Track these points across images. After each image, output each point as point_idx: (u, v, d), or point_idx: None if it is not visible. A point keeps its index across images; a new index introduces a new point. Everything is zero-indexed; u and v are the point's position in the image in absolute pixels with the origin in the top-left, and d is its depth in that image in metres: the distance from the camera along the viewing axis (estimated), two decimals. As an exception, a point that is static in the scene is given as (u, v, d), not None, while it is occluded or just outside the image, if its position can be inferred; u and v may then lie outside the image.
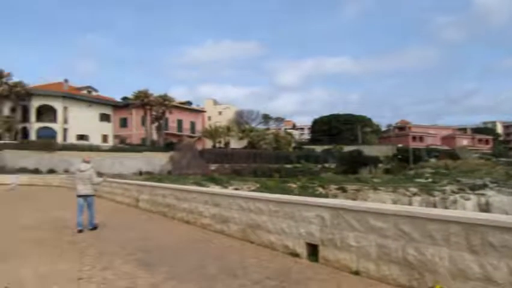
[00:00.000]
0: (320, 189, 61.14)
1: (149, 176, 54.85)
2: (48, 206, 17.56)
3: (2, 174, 41.01)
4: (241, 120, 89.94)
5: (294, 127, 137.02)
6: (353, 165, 70.24)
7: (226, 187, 49.55)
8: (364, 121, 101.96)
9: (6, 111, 58.66)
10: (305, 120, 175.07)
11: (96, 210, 11.50)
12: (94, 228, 10.90)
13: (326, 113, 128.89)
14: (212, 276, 6.15)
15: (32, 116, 59.88)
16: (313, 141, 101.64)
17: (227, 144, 77.13)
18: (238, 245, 8.65)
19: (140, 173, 51.77)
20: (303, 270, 6.42)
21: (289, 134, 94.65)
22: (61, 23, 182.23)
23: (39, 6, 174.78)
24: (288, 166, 69.44)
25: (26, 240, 9.23)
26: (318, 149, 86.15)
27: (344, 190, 57.65)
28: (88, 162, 11.36)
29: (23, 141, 56.14)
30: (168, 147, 65.30)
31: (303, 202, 7.44)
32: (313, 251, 7.01)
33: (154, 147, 64.09)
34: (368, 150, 77.26)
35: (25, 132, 59.86)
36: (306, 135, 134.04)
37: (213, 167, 65.22)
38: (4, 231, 10.62)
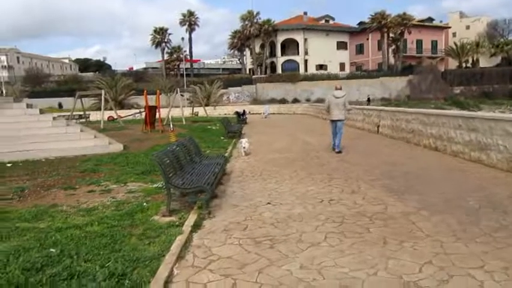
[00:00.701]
0: None
1: (386, 102, 53.56)
2: (296, 132, 19.10)
3: (257, 105, 47.12)
4: (494, 33, 76.11)
5: None
6: None
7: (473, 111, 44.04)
8: None
9: (257, 48, 66.05)
10: None
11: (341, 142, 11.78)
12: (339, 152, 11.26)
13: None
14: (473, 210, 5.35)
15: (278, 50, 65.52)
16: None
17: (475, 62, 67.19)
18: (504, 177, 7.35)
19: (368, 100, 50.12)
20: None
21: None
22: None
23: None
24: (559, 84, 56.01)
25: (280, 160, 10.21)
26: None
27: None
28: (340, 89, 11.69)
29: (271, 74, 62.65)
30: (406, 70, 61.57)
31: None
32: None
33: (390, 71, 61.55)
34: None
35: (272, 66, 66.42)
36: None
37: (457, 90, 58.52)
38: (263, 152, 12.03)
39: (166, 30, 67.19)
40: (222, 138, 16.54)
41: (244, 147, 11.82)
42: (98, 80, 52.18)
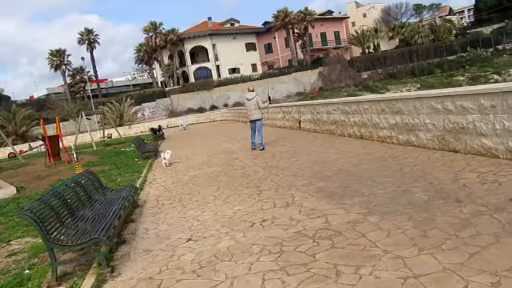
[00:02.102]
0: (495, 77, 52.68)
1: (301, 96, 54.53)
2: (216, 140, 18.02)
3: (173, 118, 45.36)
4: (389, 18, 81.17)
5: (450, 12, 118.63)
6: (538, 40, 57.80)
7: (382, 93, 46.17)
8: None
9: (165, 59, 63.91)
10: (463, 1, 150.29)
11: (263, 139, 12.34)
12: (263, 149, 11.85)
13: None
14: (423, 204, 4.63)
15: (188, 59, 63.93)
16: (479, 22, 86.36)
17: (377, 47, 71.12)
18: (438, 157, 6.86)
19: (269, 98, 49.64)
20: None
21: (448, 20, 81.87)
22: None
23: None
24: (451, 58, 60.85)
25: (201, 177, 9.06)
26: (487, 30, 73.03)
27: (530, 71, 48.45)
28: (252, 90, 12.45)
29: (184, 84, 60.95)
30: (315, 63, 63.32)
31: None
32: None
33: (301, 66, 62.89)
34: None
35: (185, 76, 64.71)
36: (467, 19, 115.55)
37: (365, 75, 61.31)
38: (182, 170, 10.78)
39: (64, 51, 62.72)
40: (137, 160, 14.96)
41: (164, 158, 12.07)
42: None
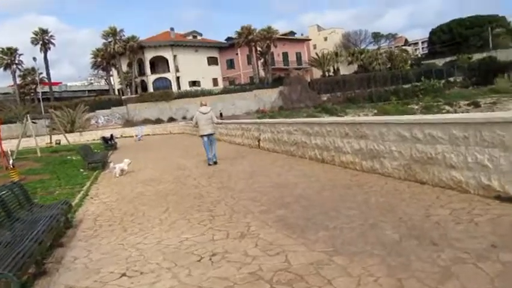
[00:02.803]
0: (447, 107, 54.91)
1: (261, 114, 54.39)
2: (170, 155, 17.13)
3: (128, 127, 43.74)
4: (349, 44, 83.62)
5: (406, 43, 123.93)
6: (485, 75, 61.08)
7: (341, 117, 46.82)
8: (496, 21, 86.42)
9: (124, 67, 62.05)
10: (417, 34, 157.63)
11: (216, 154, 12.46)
12: (216, 162, 12.04)
13: (442, 21, 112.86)
14: (396, 245, 4.11)
15: (147, 68, 62.39)
16: (432, 54, 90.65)
17: (336, 71, 72.76)
18: (405, 188, 6.45)
19: (221, 115, 48.31)
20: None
21: (404, 50, 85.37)
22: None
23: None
24: (407, 86, 63.22)
25: (149, 195, 8.22)
26: (439, 62, 76.65)
27: (476, 105, 50.79)
28: (205, 105, 12.47)
29: (143, 93, 59.29)
30: (276, 82, 63.71)
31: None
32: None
33: (262, 84, 63.02)
34: (504, 55, 66.16)
35: (143, 85, 63.03)
36: (421, 51, 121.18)
37: (324, 97, 62.34)
38: (128, 186, 9.87)
39: (16, 50, 59.64)
40: (82, 170, 13.80)
41: (115, 168, 11.90)
42: None
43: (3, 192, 5.44)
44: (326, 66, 70.71)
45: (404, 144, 6.89)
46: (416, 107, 56.33)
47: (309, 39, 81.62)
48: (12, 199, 5.56)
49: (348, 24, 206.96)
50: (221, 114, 47.53)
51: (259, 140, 14.97)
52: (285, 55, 72.77)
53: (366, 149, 8.03)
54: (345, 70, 72.99)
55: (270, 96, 60.20)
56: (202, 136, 12.20)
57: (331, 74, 71.93)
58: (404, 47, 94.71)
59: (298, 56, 75.56)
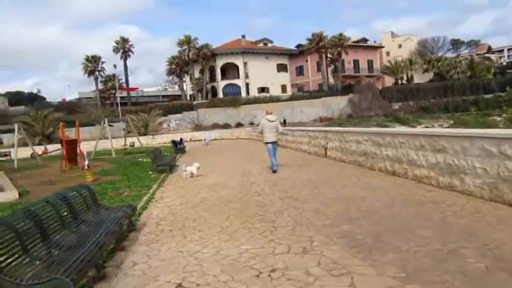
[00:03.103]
0: (537, 119, 50.28)
1: (329, 121, 53.41)
2: (237, 160, 17.19)
3: (198, 132, 44.98)
4: (425, 51, 79.69)
5: (489, 51, 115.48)
6: None
7: (413, 127, 44.56)
8: None
9: (196, 73, 64.21)
10: (503, 41, 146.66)
11: (281, 161, 13.01)
12: (275, 171, 11.94)
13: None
14: (483, 278, 3.58)
15: (218, 75, 64.03)
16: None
17: (410, 79, 69.56)
18: (490, 209, 5.76)
19: (284, 122, 46.60)
20: None
21: (487, 58, 79.57)
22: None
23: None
24: (488, 96, 58.75)
25: (212, 201, 8.17)
26: (528, 71, 70.57)
27: None
28: (271, 113, 12.55)
29: (212, 99, 60.92)
30: (346, 90, 62.27)
31: None
32: None
33: (331, 91, 61.92)
34: None
35: (214, 91, 64.75)
36: (507, 59, 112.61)
37: (396, 106, 59.81)
38: (194, 190, 9.93)
39: (99, 58, 64.02)
40: (151, 173, 14.23)
41: (185, 171, 12.30)
42: (24, 115, 47.91)
43: (71, 194, 5.61)
44: (398, 74, 67.89)
45: (490, 161, 6.18)
46: (499, 118, 52.20)
47: (382, 46, 79.01)
48: (79, 201, 5.72)
49: (425, 31, 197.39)
50: (285, 121, 47.29)
51: (326, 149, 14.52)
52: (356, 62, 70.98)
53: (444, 163, 7.35)
54: (419, 78, 69.55)
55: (338, 104, 58.96)
56: (266, 143, 12.34)
57: (404, 82, 68.94)
58: (487, 55, 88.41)
59: (370, 64, 73.36)
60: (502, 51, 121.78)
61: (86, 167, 13.53)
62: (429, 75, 70.26)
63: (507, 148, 5.82)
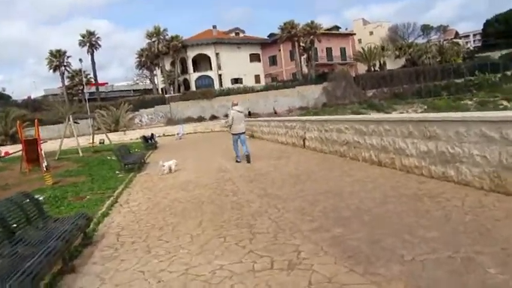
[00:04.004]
0: (504, 103, 51.14)
1: (304, 111, 52.89)
2: (211, 154, 16.29)
3: (171, 126, 43.71)
4: (396, 37, 79.92)
5: (457, 36, 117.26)
6: (548, 67, 56.36)
7: (388, 113, 44.49)
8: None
9: (167, 66, 62.42)
10: (468, 27, 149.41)
11: (257, 154, 13.18)
12: (248, 155, 12.14)
13: (497, 12, 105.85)
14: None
15: (190, 67, 62.39)
16: (486, 47, 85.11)
17: (383, 66, 69.79)
18: (494, 202, 5.12)
19: (249, 113, 45.96)
20: None
21: (456, 43, 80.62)
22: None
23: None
24: (459, 81, 59.37)
25: (183, 203, 7.31)
26: (495, 55, 71.70)
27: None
28: (237, 104, 12.85)
29: (185, 92, 59.38)
30: (320, 78, 61.75)
31: None
32: None
33: (305, 80, 61.35)
34: None
35: (186, 84, 63.16)
36: (473, 44, 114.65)
37: (370, 93, 59.75)
38: (163, 190, 9.04)
39: (64, 52, 61.24)
40: (118, 172, 13.19)
41: (163, 166, 11.88)
42: (-16, 114, 45.46)
43: (7, 206, 4.61)
44: (371, 61, 68.02)
45: (490, 147, 5.54)
46: (470, 102, 52.81)
47: (354, 34, 78.82)
48: (17, 214, 4.74)
49: (395, 18, 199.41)
50: (249, 112, 46.32)
51: (304, 139, 13.81)
52: (329, 50, 70.61)
53: (436, 151, 6.70)
54: (391, 65, 69.89)
55: (313, 93, 58.42)
56: (235, 134, 12.41)
57: (377, 69, 69.09)
58: (455, 40, 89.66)
59: (343, 51, 73.13)
60: (468, 36, 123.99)
61: (45, 169, 12.39)
62: (401, 61, 70.70)
63: (510, 132, 5.18)
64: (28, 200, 5.22)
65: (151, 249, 4.98)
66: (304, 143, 13.81)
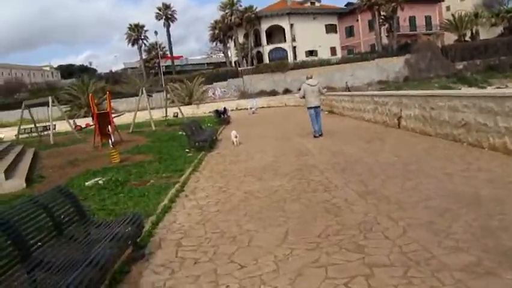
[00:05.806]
0: None
1: (384, 85, 49.19)
2: (287, 132, 14.68)
3: (244, 99, 42.66)
4: (492, 2, 71.48)
5: None
6: None
7: (483, 88, 39.64)
8: None
9: (240, 38, 61.23)
10: None
11: (341, 134, 12.27)
12: (321, 135, 11.96)
13: None
14: None
15: (263, 39, 60.62)
16: None
17: (475, 35, 62.71)
18: None
19: (347, 88, 43.28)
20: None
21: None
22: None
23: None
24: None
25: (260, 198, 5.84)
26: None
27: None
28: (311, 77, 12.49)
29: (258, 65, 57.97)
30: (402, 50, 56.98)
31: None
32: None
33: (385, 52, 56.96)
34: None
35: (259, 57, 61.64)
36: None
37: (460, 65, 54.02)
38: (235, 179, 7.64)
39: (142, 26, 62.46)
40: (187, 151, 12.06)
41: (236, 137, 12.34)
42: (69, 86, 47.60)
43: (19, 217, 3.29)
44: (462, 30, 61.30)
45: None
46: None
47: (442, 0, 71.69)
48: (41, 224, 3.46)
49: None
50: (347, 87, 43.34)
51: (399, 118, 11.66)
52: (412, 19, 64.87)
53: None
54: (486, 34, 62.52)
55: (394, 65, 54.07)
56: (309, 108, 12.18)
57: (467, 39, 62.28)
58: None
59: (428, 20, 66.86)
60: None
61: (111, 146, 11.57)
62: (498, 30, 62.99)
63: None
64: (65, 199, 3.95)
65: (218, 277, 3.50)
66: (399, 122, 11.68)
